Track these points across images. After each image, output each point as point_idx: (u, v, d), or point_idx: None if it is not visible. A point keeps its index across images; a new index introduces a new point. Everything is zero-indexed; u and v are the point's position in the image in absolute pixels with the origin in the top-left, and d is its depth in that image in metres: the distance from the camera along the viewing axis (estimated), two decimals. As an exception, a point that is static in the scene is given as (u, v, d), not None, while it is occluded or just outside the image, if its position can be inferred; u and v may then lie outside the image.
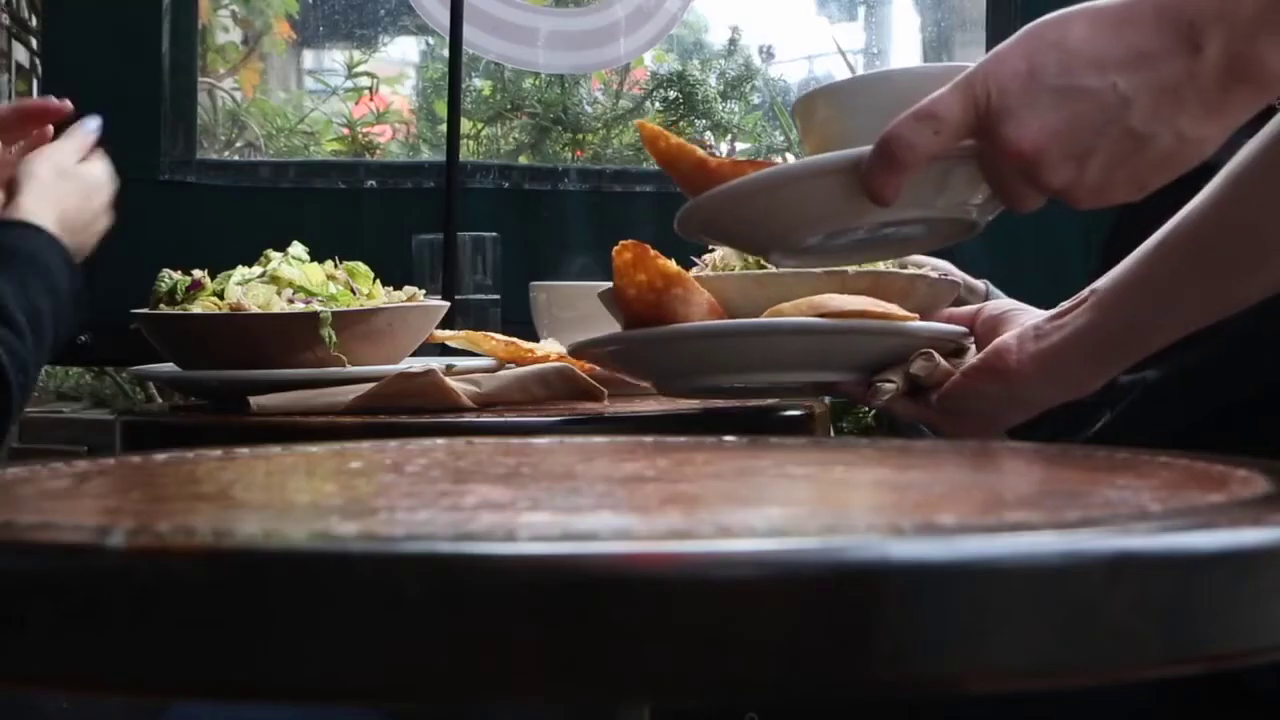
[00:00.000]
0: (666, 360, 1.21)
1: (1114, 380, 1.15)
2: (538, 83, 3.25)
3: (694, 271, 1.36)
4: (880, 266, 1.32)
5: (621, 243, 1.27)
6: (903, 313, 1.22)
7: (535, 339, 1.75)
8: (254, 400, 1.44)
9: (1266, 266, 0.95)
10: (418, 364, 1.55)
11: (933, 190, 0.89)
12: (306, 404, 1.46)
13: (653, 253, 1.27)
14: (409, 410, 1.52)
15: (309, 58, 4.11)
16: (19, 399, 1.27)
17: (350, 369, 1.50)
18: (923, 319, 1.24)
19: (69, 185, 1.42)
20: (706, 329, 1.21)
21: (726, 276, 1.33)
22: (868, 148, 0.88)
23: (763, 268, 1.33)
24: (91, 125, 1.49)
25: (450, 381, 1.47)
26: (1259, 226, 0.93)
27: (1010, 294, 1.42)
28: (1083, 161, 0.85)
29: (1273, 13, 0.78)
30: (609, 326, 1.31)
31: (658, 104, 3.29)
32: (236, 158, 3.41)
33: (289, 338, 1.50)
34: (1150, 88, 0.82)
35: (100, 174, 1.51)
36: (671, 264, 1.27)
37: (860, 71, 3.52)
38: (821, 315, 1.18)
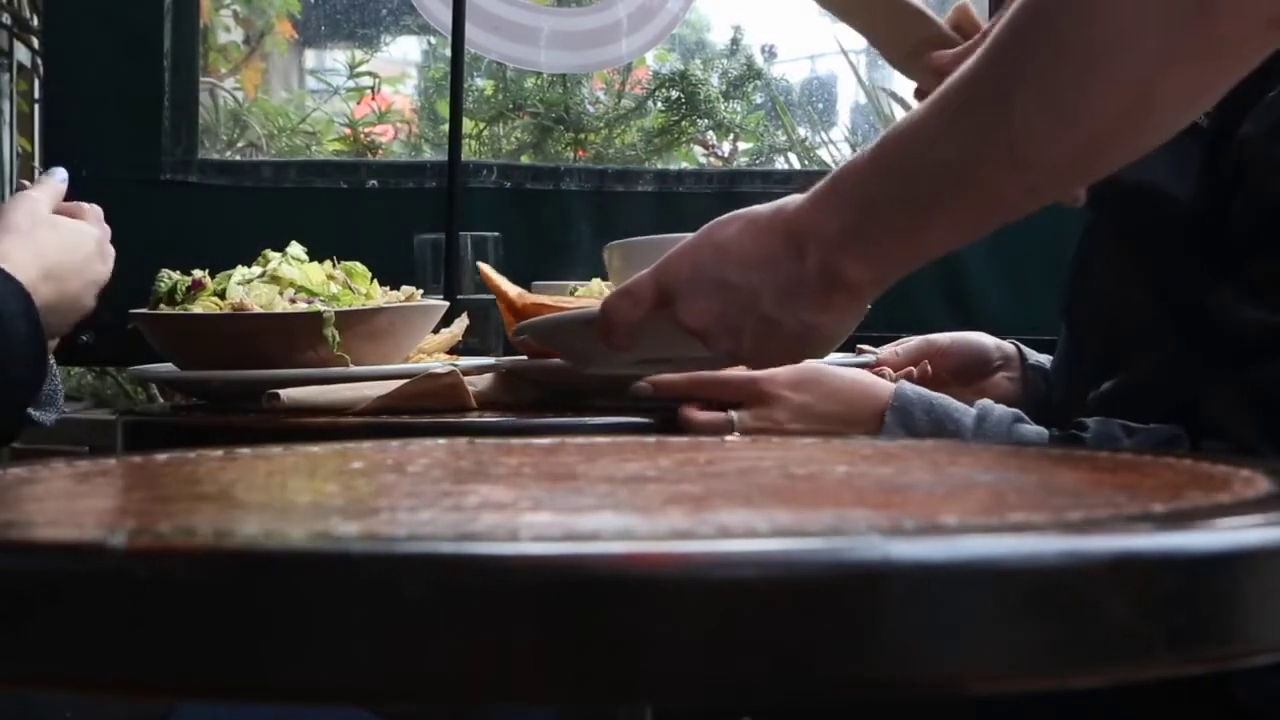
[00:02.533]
0: (576, 341, 1.29)
1: (1076, 398, 1.19)
2: (539, 82, 3.25)
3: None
4: None
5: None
6: None
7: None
8: (284, 393, 1.43)
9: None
10: (436, 365, 1.55)
11: (664, 340, 1.10)
12: (330, 398, 1.45)
13: (511, 294, 1.50)
14: (414, 410, 1.52)
15: (311, 57, 4.11)
16: None
17: (353, 369, 1.50)
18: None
19: (48, 233, 1.32)
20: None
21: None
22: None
23: None
24: (60, 176, 1.40)
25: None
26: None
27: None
28: (737, 337, 1.04)
29: (849, 235, 0.97)
30: None
31: (659, 104, 3.29)
32: (238, 158, 3.40)
33: (292, 338, 1.49)
34: (773, 285, 1.01)
35: (83, 225, 1.38)
36: (532, 298, 1.47)
37: (861, 71, 3.53)
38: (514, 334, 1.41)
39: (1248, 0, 0.81)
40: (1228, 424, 1.15)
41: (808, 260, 0.99)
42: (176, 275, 1.59)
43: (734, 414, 1.41)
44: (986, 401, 1.35)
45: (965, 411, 1.34)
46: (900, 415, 1.36)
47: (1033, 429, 1.23)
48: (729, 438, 0.97)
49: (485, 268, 1.50)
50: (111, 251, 1.36)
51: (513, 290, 1.42)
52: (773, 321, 1.02)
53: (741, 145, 3.37)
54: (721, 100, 3.25)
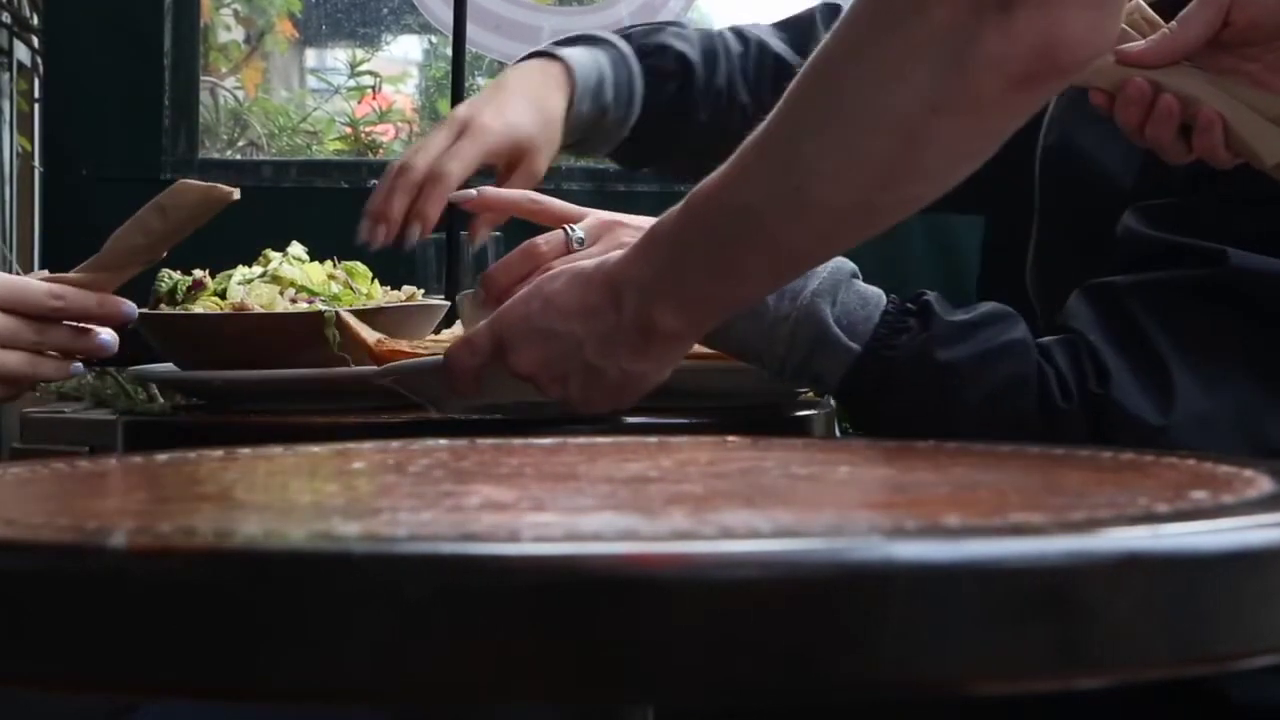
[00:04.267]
0: (428, 386, 1.32)
1: None
2: (540, 82, 3.24)
3: None
4: None
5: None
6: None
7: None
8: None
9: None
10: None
11: (507, 385, 1.14)
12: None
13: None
14: (413, 408, 1.52)
15: (311, 56, 4.11)
16: None
17: (354, 369, 1.50)
18: None
19: None
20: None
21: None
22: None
23: None
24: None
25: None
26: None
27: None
28: (564, 383, 1.09)
29: (662, 284, 1.02)
30: None
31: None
32: (239, 157, 3.40)
33: (293, 338, 1.49)
34: (594, 334, 1.06)
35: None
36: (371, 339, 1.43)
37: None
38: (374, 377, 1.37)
39: (994, 60, 0.87)
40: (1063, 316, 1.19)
41: (625, 310, 1.04)
42: (177, 275, 1.59)
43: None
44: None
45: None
46: None
47: (869, 287, 1.19)
48: (730, 438, 0.97)
49: (346, 316, 1.46)
50: (6, 353, 1.22)
51: (371, 337, 1.42)
52: (595, 369, 1.07)
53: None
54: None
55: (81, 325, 1.25)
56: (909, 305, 1.15)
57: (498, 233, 2.10)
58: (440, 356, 1.20)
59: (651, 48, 1.66)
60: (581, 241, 1.32)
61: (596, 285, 1.07)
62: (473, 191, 1.51)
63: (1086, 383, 1.14)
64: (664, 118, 1.61)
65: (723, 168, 0.98)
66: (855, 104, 0.92)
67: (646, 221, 1.33)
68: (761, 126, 0.96)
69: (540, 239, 1.35)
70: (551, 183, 2.79)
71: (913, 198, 0.97)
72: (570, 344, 1.07)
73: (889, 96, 0.90)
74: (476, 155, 1.56)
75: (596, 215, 1.37)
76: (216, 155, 3.29)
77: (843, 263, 1.18)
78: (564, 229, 1.33)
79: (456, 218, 2.44)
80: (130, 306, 1.26)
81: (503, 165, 1.58)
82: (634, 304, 1.04)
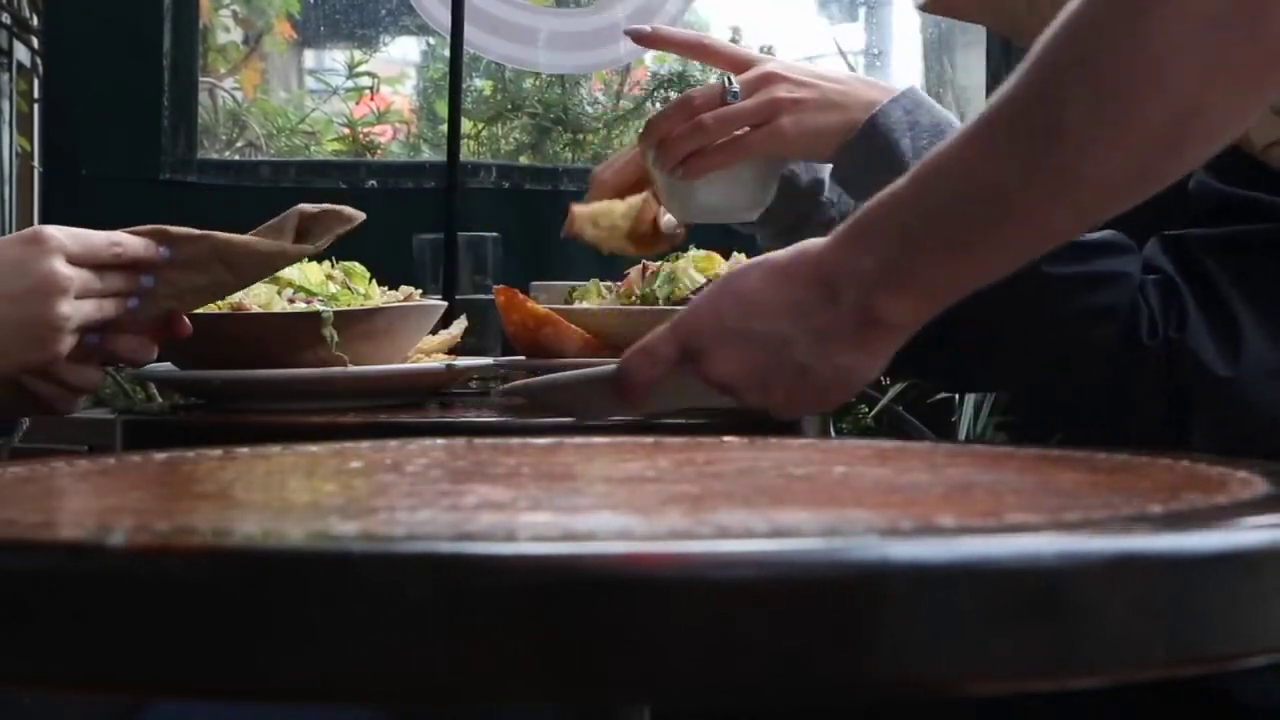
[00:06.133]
0: (578, 399, 1.29)
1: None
2: (538, 83, 3.25)
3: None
4: None
5: (496, 287, 1.51)
6: None
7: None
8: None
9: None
10: (433, 365, 1.57)
11: (679, 393, 1.09)
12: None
13: (521, 296, 1.49)
14: (411, 408, 1.53)
15: (310, 57, 4.11)
16: None
17: (351, 369, 1.50)
18: None
19: None
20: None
21: (596, 311, 1.50)
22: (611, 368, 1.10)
23: (630, 301, 1.51)
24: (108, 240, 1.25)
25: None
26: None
27: None
28: (765, 388, 1.02)
29: (886, 272, 0.95)
30: None
31: (658, 104, 3.29)
32: (237, 157, 3.40)
33: (291, 338, 1.49)
34: (805, 332, 0.99)
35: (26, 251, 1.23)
36: (540, 307, 1.48)
37: (859, 73, 3.53)
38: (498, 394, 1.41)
39: None
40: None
41: (841, 302, 0.97)
42: (176, 275, 1.59)
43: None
44: None
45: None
46: (906, 103, 1.33)
47: None
48: (726, 438, 0.97)
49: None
50: (82, 302, 1.24)
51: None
52: (806, 370, 1.00)
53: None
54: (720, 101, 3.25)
55: (131, 271, 1.29)
56: None
57: (495, 233, 2.10)
58: (595, 370, 1.13)
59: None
60: (735, 95, 1.33)
61: (803, 279, 0.99)
62: (647, 27, 1.48)
63: (1169, 326, 1.15)
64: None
65: (957, 144, 0.93)
66: (1129, 69, 0.86)
67: (806, 70, 1.35)
68: (1003, 97, 0.90)
69: (695, 91, 1.36)
70: (549, 183, 2.80)
71: (1182, 166, 0.92)
72: (776, 345, 1.00)
73: (1170, 60, 0.85)
74: None
75: (759, 67, 1.35)
76: (215, 156, 3.28)
77: None
78: (723, 80, 1.33)
79: (455, 218, 2.45)
80: (165, 250, 1.29)
81: None
82: (853, 296, 0.97)
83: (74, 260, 1.24)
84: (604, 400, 1.12)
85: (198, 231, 1.31)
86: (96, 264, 1.26)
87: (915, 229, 0.95)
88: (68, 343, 1.24)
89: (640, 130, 1.39)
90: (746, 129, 1.34)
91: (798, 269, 1.00)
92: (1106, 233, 1.17)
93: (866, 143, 1.33)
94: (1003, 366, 1.22)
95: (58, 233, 1.24)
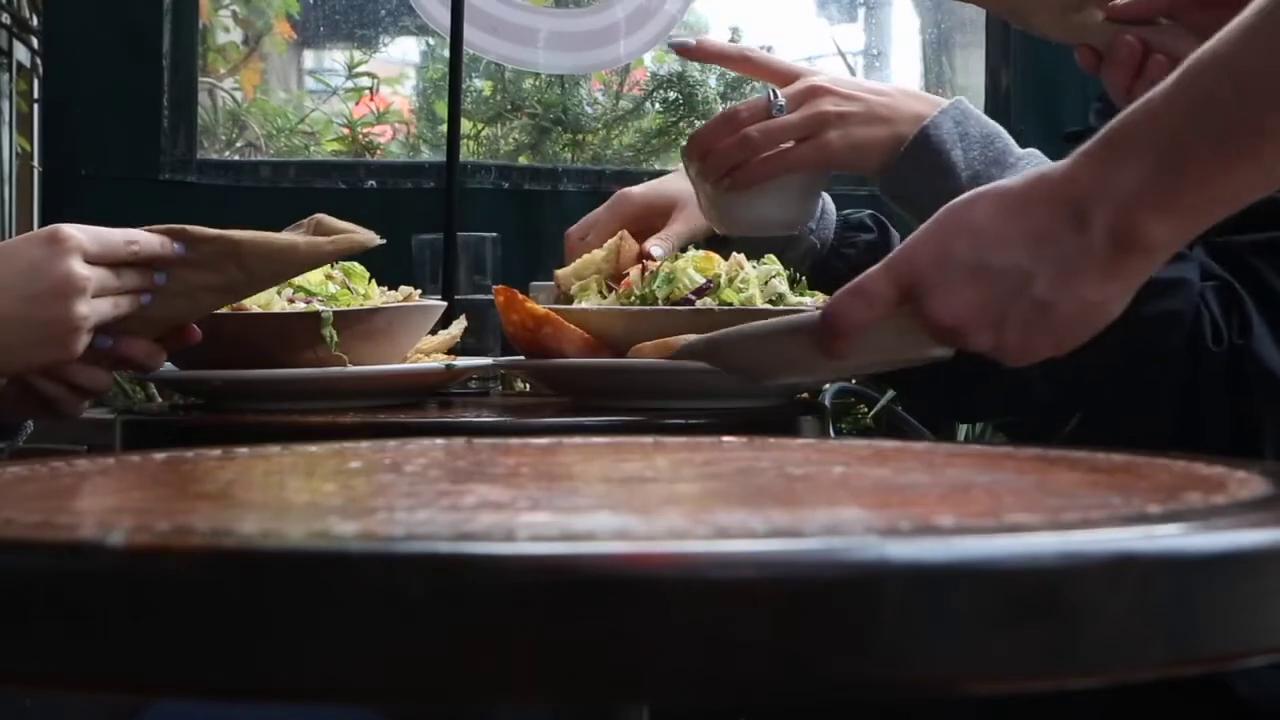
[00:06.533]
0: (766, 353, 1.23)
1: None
2: (538, 83, 3.25)
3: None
4: (758, 301, 1.43)
5: (496, 287, 1.51)
6: None
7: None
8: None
9: None
10: (432, 365, 1.58)
11: (879, 343, 0.99)
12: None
13: (521, 296, 1.49)
14: (410, 408, 1.53)
15: (309, 58, 4.11)
16: None
17: (350, 369, 1.50)
18: None
19: None
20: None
21: (596, 311, 1.50)
22: (815, 315, 1.00)
23: (629, 301, 1.50)
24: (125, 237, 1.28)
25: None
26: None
27: None
28: (999, 329, 0.93)
29: (1148, 187, 0.87)
30: None
31: (657, 105, 3.29)
32: (237, 157, 3.40)
33: (291, 338, 1.49)
34: (1050, 262, 0.91)
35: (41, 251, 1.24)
36: (539, 307, 1.48)
37: (859, 73, 3.53)
38: (675, 356, 1.37)
39: None
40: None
41: (1093, 227, 0.89)
42: (175, 275, 1.59)
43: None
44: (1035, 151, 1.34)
45: (1013, 145, 1.32)
46: (955, 114, 1.33)
47: None
48: (725, 438, 0.97)
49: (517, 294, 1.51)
50: (98, 301, 1.25)
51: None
52: (1046, 307, 0.92)
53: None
54: (719, 102, 3.25)
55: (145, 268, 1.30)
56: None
57: (495, 234, 2.10)
58: (805, 315, 1.04)
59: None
60: (781, 109, 1.33)
61: (1044, 205, 0.91)
62: (691, 40, 1.49)
63: (1233, 332, 1.15)
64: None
65: (1230, 36, 0.85)
66: None
67: (851, 83, 1.35)
68: None
69: (741, 104, 1.36)
70: (549, 183, 2.80)
71: None
72: (1015, 279, 0.91)
73: None
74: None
75: (805, 80, 1.35)
76: (215, 156, 3.28)
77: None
78: (768, 93, 1.33)
79: (455, 218, 2.45)
80: (180, 245, 1.30)
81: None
82: (1107, 219, 0.88)
83: (91, 259, 1.25)
84: (800, 354, 1.03)
85: (214, 231, 1.32)
86: (114, 262, 1.27)
87: (1179, 137, 0.87)
88: (83, 342, 1.25)
89: (689, 143, 1.39)
90: (792, 143, 1.34)
91: (1037, 194, 0.92)
92: None
93: (917, 156, 1.33)
94: (1067, 380, 1.21)
95: (76, 232, 1.24)
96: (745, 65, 1.45)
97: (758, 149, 1.34)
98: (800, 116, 1.32)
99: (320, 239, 1.38)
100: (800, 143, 1.34)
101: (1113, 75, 1.09)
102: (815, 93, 1.33)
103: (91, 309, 1.24)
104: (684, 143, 1.42)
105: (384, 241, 1.40)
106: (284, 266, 1.39)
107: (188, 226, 1.32)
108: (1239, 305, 1.16)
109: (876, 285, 0.96)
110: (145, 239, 1.29)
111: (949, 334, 0.95)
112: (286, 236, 1.37)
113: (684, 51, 1.49)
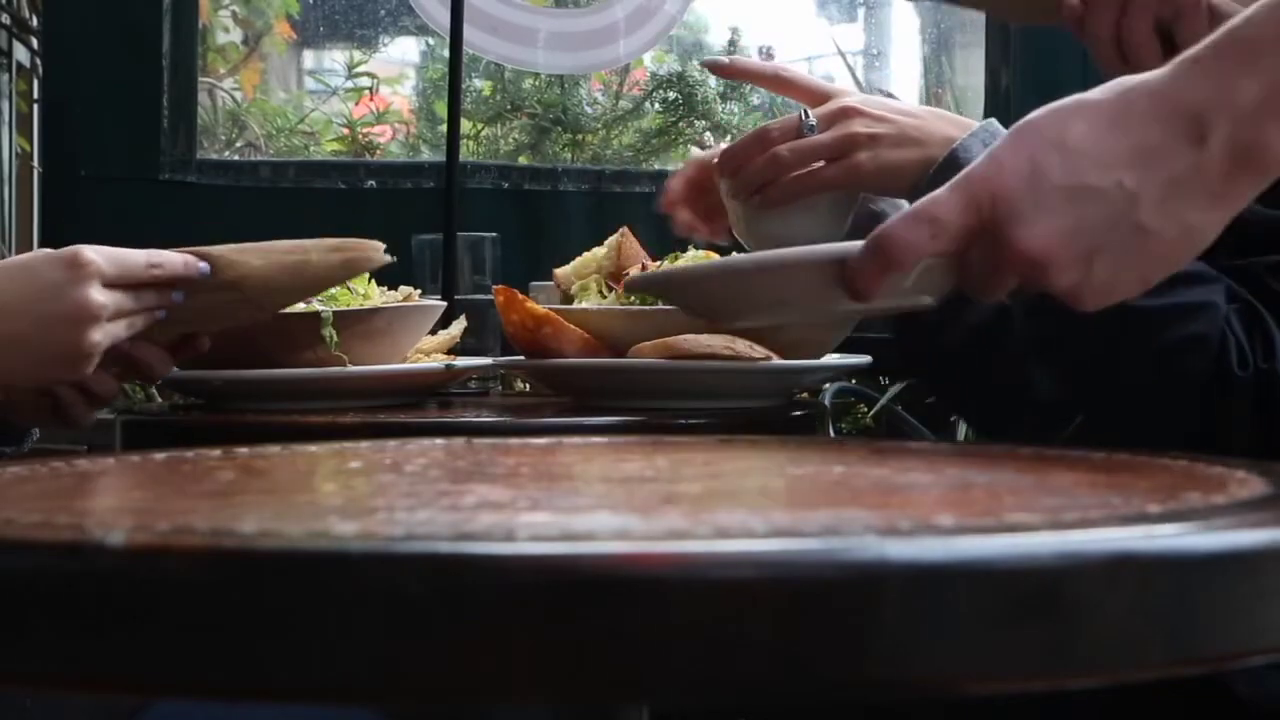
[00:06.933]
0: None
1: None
2: (537, 83, 3.25)
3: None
4: None
5: (495, 287, 1.52)
6: (755, 353, 1.41)
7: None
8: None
9: None
10: (432, 365, 1.58)
11: (906, 286, 0.88)
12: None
13: (520, 296, 1.50)
14: (409, 408, 1.53)
15: (309, 58, 4.11)
16: None
17: (350, 369, 1.50)
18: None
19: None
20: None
21: (595, 311, 1.51)
22: (855, 244, 0.88)
23: (629, 301, 1.50)
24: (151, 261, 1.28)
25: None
26: None
27: None
28: (1090, 261, 0.84)
29: (1273, 102, 0.80)
30: None
31: (657, 105, 3.29)
32: (237, 158, 3.40)
33: (290, 338, 1.50)
34: (1157, 182, 0.82)
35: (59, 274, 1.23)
36: (539, 307, 1.49)
37: (859, 73, 3.53)
38: (675, 356, 1.40)
39: None
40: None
41: (1210, 141, 0.81)
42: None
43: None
44: None
45: None
46: (985, 136, 1.31)
47: None
48: (725, 438, 0.97)
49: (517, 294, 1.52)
50: (113, 324, 1.24)
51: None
52: (1145, 233, 0.83)
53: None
54: (719, 101, 3.25)
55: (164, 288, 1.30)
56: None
57: (494, 234, 2.10)
58: (845, 245, 0.90)
59: None
60: (813, 128, 1.33)
61: (1155, 118, 0.82)
62: (726, 59, 1.50)
63: (1257, 356, 1.15)
64: None
65: None
66: None
67: (882, 105, 1.34)
68: None
69: (772, 123, 1.36)
70: (548, 183, 2.80)
71: None
72: (1117, 201, 0.82)
73: None
74: None
75: (837, 101, 1.35)
76: (214, 156, 3.29)
77: None
78: (799, 113, 1.34)
79: (455, 218, 2.45)
80: (205, 266, 1.30)
81: None
82: (1227, 131, 0.81)
83: (110, 283, 1.24)
84: (797, 292, 0.93)
85: (237, 258, 1.32)
86: (133, 285, 1.27)
87: None
88: (94, 364, 1.25)
89: (720, 160, 1.39)
90: (822, 162, 1.34)
91: (1142, 106, 0.83)
92: (1194, 263, 1.16)
93: (946, 178, 1.32)
94: (1095, 403, 1.21)
95: (96, 256, 1.23)
96: (778, 84, 1.45)
97: (788, 168, 1.34)
98: (831, 137, 1.32)
99: (333, 256, 1.38)
100: (830, 163, 1.34)
101: (1098, 21, 1.07)
102: (846, 113, 1.33)
103: (105, 334, 1.24)
104: (684, 142, 1.43)
105: (388, 260, 1.41)
106: (301, 291, 1.40)
107: (211, 250, 1.31)
108: (1263, 328, 1.16)
109: (949, 211, 0.85)
110: (169, 261, 1.28)
111: (1033, 269, 0.84)
112: (299, 257, 1.37)
113: (718, 70, 1.49)
